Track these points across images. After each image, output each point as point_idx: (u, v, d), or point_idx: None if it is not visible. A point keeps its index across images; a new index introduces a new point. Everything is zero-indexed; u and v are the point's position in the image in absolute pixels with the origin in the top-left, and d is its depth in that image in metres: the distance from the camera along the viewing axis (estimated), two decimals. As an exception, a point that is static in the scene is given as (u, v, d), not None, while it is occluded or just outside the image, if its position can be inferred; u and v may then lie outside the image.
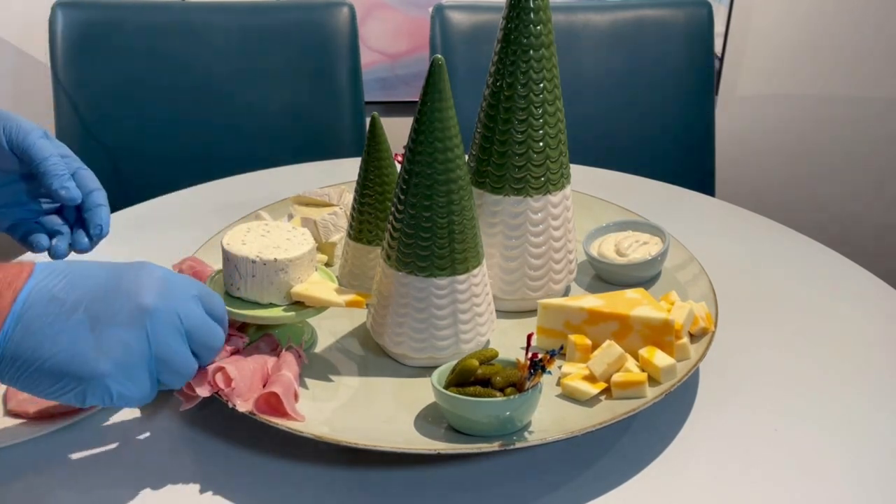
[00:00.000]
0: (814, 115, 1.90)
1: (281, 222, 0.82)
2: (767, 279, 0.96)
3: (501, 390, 0.67)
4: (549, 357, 0.66)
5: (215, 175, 1.16)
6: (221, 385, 0.68)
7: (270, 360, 0.73)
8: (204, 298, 0.64)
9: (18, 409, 0.71)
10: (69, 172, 0.78)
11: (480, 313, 0.77)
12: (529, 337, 0.68)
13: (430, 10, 1.52)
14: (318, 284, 0.76)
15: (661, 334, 0.75)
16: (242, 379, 0.69)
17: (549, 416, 0.69)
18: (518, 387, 0.67)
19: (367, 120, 0.81)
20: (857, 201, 1.96)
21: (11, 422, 0.71)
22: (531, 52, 0.76)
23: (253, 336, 0.76)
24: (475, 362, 0.69)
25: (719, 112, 1.78)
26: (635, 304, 0.77)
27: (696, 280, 0.87)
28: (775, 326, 0.88)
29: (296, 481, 0.67)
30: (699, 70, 1.58)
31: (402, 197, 0.72)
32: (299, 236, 0.77)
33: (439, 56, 0.68)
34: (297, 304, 0.75)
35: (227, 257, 0.74)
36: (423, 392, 0.72)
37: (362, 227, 0.84)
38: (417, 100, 0.69)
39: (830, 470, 0.69)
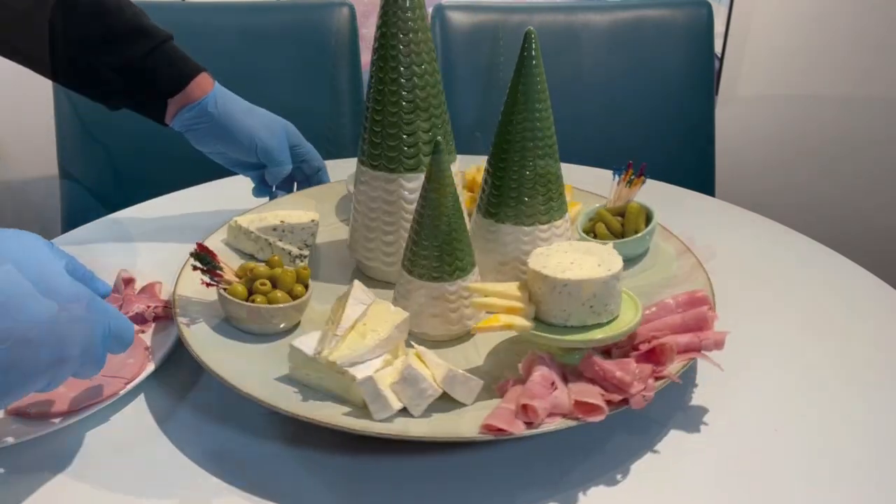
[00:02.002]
0: (814, 114, 1.90)
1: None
2: (767, 279, 0.96)
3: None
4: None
5: (215, 175, 1.16)
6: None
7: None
8: (112, 334, 0.62)
9: (19, 409, 0.71)
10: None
11: None
12: (630, 165, 0.83)
13: (430, 10, 1.52)
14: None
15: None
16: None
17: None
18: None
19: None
20: (857, 201, 1.96)
21: (11, 422, 0.71)
22: (403, 35, 0.80)
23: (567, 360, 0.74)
24: None
25: (719, 112, 1.78)
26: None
27: (692, 272, 0.88)
28: (775, 326, 0.88)
29: (299, 468, 0.67)
30: (699, 70, 1.58)
31: (503, 156, 0.79)
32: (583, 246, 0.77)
33: (532, 28, 0.76)
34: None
35: (570, 289, 0.71)
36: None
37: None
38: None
39: (830, 470, 0.69)
